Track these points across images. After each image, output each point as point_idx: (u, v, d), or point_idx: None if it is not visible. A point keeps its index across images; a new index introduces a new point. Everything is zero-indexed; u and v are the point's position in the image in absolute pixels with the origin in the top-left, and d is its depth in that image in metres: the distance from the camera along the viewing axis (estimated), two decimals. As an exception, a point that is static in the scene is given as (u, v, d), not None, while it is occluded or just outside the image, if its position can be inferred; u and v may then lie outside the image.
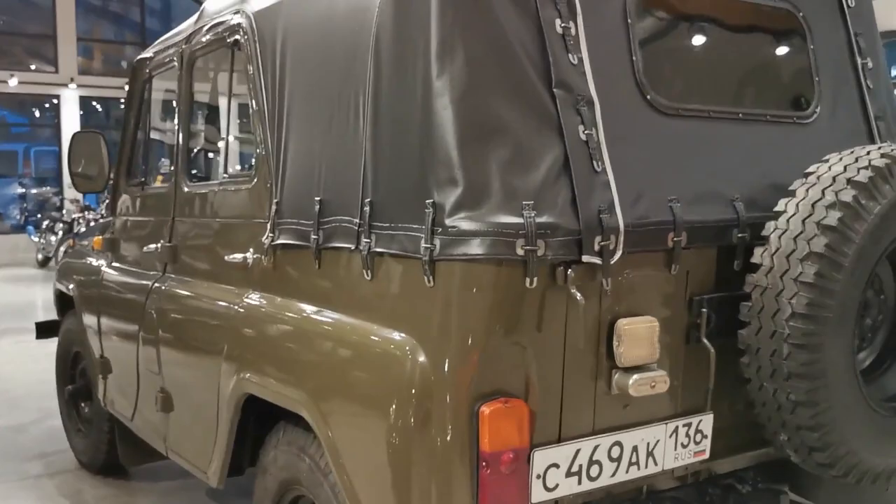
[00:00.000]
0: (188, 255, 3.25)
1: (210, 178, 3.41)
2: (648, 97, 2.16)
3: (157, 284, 3.40)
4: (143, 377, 3.52)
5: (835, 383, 2.08)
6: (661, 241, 2.07)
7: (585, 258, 1.91)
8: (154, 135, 3.87)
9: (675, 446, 2.17)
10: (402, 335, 2.01)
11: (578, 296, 1.90)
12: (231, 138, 3.15)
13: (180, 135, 3.30)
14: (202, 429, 2.95)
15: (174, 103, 3.39)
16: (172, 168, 3.36)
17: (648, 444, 2.12)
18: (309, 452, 2.37)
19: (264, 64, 2.64)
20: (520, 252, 1.84)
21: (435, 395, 1.90)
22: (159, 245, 3.42)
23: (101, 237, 4.21)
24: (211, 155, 3.60)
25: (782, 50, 2.62)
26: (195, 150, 3.45)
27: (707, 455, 2.24)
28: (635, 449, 2.10)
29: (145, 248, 3.56)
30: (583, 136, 1.98)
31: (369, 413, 2.06)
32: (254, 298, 2.66)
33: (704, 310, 2.16)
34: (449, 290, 1.90)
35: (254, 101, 2.69)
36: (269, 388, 2.45)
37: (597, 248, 1.92)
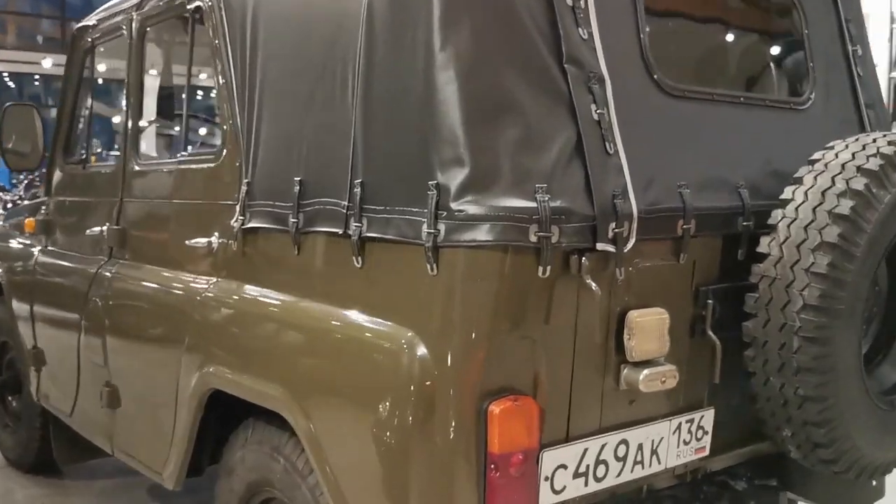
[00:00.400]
0: (139, 239, 3.01)
1: (166, 156, 3.18)
2: (655, 77, 2.05)
3: (102, 271, 3.15)
4: (86, 370, 3.26)
5: (843, 377, 2.01)
6: (670, 228, 1.97)
7: (600, 246, 1.79)
8: (98, 109, 3.59)
9: (677, 443, 2.08)
10: (399, 327, 1.85)
11: (594, 286, 1.78)
12: (191, 114, 2.91)
13: (130, 109, 3.06)
14: (157, 426, 2.74)
15: (123, 74, 3.14)
16: (120, 145, 3.11)
17: (653, 441, 2.03)
18: (284, 453, 2.20)
19: (232, 33, 2.43)
20: (533, 239, 1.72)
21: (437, 391, 1.76)
22: (104, 228, 3.17)
23: (33, 219, 3.91)
24: (166, 131, 3.35)
25: (779, 34, 2.54)
26: (147, 126, 3.20)
27: (707, 452, 2.16)
28: (640, 447, 2.00)
29: (88, 231, 3.29)
30: (595, 116, 1.86)
31: (361, 411, 1.90)
32: (220, 286, 2.46)
33: (710, 301, 2.08)
34: (453, 279, 1.76)
35: (220, 75, 2.48)
36: (241, 383, 2.27)
37: (611, 234, 1.80)
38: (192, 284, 2.57)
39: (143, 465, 2.88)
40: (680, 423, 2.08)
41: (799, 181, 2.07)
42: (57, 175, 3.71)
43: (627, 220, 1.83)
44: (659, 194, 1.93)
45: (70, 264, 3.46)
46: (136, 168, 3.01)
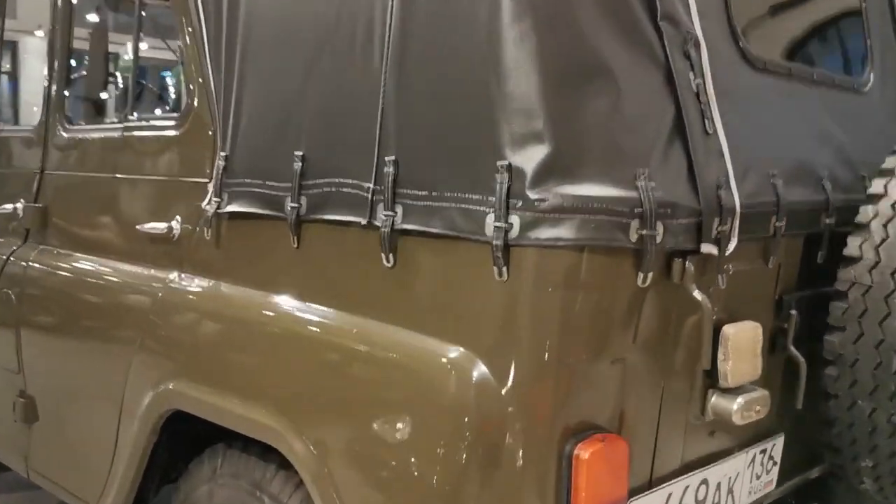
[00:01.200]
0: (67, 221, 2.49)
1: (104, 121, 2.65)
2: (740, 44, 1.72)
3: (14, 258, 2.61)
4: (-7, 376, 2.72)
5: None
6: (764, 226, 1.65)
7: (704, 248, 1.45)
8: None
9: (751, 478, 1.78)
10: (445, 343, 1.46)
11: (700, 296, 1.45)
12: (141, 67, 2.40)
13: (55, 61, 2.53)
14: (90, 449, 2.25)
15: (46, 20, 2.59)
16: (42, 106, 2.57)
17: (730, 478, 1.71)
18: (269, 490, 1.78)
19: None
20: (634, 238, 1.36)
21: (501, 425, 1.39)
22: (18, 206, 2.62)
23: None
24: (106, 89, 2.79)
25: (843, 6, 2.25)
26: (77, 82, 2.66)
27: (774, 485, 1.87)
28: (718, 486, 1.68)
29: None
30: (693, 87, 1.51)
31: (395, 449, 1.50)
32: (186, 283, 1.99)
33: (793, 312, 1.77)
34: (528, 286, 1.38)
35: (185, 21, 2.01)
36: (217, 406, 1.82)
37: (714, 233, 1.47)
38: (145, 280, 2.09)
39: (71, 494, 2.38)
40: (754, 455, 1.78)
41: (890, 173, 1.79)
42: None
43: (730, 215, 1.50)
44: (755, 185, 1.61)
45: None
46: (63, 134, 2.48)
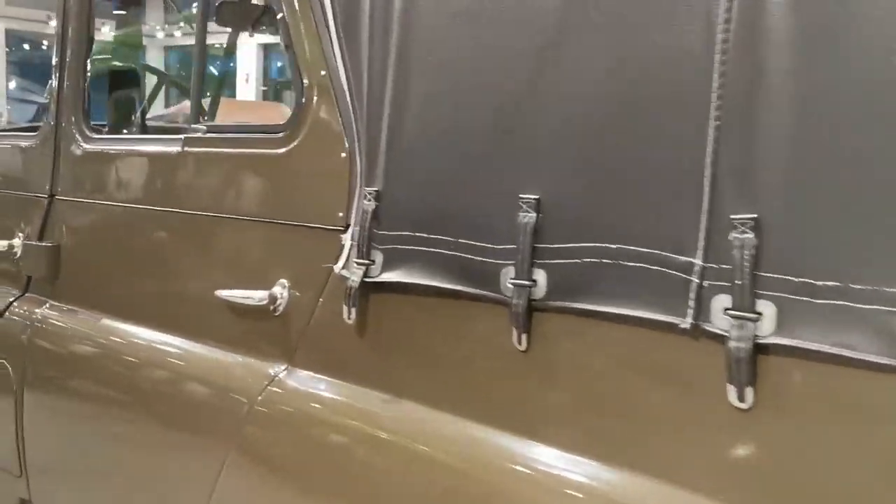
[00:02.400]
0: (92, 271, 1.77)
1: (148, 128, 1.90)
2: None
3: (10, 315, 1.90)
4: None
5: None
6: None
7: None
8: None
9: None
10: None
11: None
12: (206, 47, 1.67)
13: (67, 47, 1.80)
14: None
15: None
16: (51, 107, 1.84)
17: None
18: None
19: None
20: None
21: None
22: (15, 242, 1.91)
23: None
24: (147, 82, 2.05)
25: None
26: (96, 71, 1.95)
27: None
28: None
29: None
30: None
31: None
32: (305, 386, 1.29)
33: None
34: None
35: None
36: None
37: None
38: (230, 372, 1.39)
39: None
40: None
41: None
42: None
43: None
44: None
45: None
46: (84, 145, 1.76)
